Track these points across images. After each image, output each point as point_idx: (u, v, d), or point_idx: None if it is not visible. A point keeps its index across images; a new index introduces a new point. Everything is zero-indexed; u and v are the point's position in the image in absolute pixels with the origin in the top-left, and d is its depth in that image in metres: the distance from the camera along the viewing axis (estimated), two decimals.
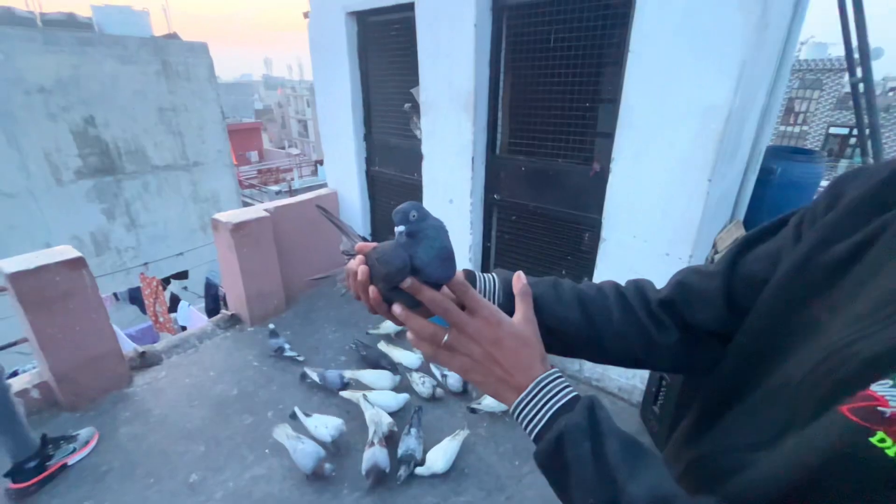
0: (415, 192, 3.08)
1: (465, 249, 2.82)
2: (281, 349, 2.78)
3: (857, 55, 2.46)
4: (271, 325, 2.94)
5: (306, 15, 3.29)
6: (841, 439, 0.31)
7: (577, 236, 2.46)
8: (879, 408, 0.29)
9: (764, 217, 2.70)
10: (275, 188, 14.44)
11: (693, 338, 0.54)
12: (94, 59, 8.14)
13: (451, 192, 2.76)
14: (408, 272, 0.46)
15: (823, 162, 2.80)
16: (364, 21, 3.01)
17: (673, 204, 1.94)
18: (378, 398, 2.26)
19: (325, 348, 2.88)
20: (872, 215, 0.39)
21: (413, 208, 0.48)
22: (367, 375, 2.43)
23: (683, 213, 1.91)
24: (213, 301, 6.05)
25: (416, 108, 2.89)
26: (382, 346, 2.69)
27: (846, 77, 2.55)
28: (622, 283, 0.59)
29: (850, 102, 2.63)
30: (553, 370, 0.44)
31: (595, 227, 2.26)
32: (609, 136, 2.08)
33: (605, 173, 2.13)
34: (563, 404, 0.41)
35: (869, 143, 2.59)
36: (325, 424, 2.08)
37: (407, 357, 2.57)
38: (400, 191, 3.32)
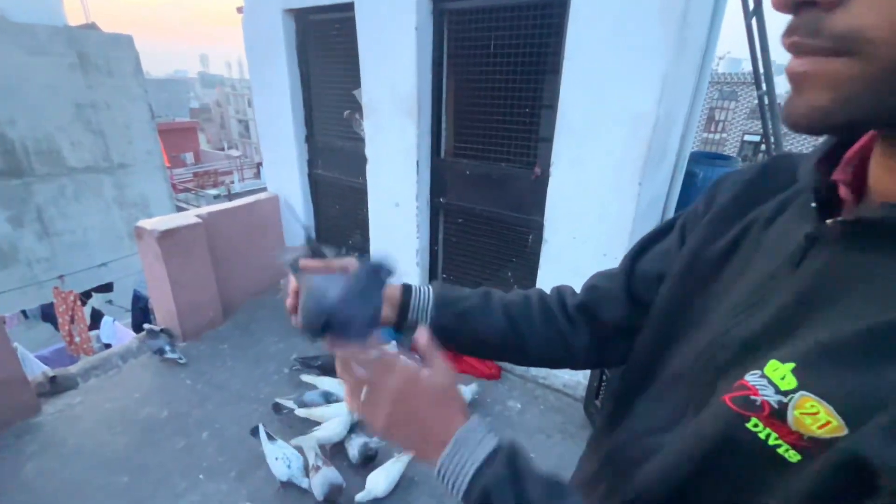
0: (360, 195, 3.01)
1: (412, 253, 2.79)
2: (161, 350, 2.66)
3: (762, 70, 2.72)
4: (146, 325, 2.86)
5: (240, 10, 3.12)
6: (724, 426, 0.34)
7: (522, 238, 2.51)
8: (751, 396, 0.33)
9: None
10: (213, 192, 13.58)
11: (605, 336, 0.60)
12: None
13: (397, 195, 2.73)
14: (320, 332, 0.47)
15: (739, 166, 3.07)
16: (303, 19, 2.91)
17: (608, 206, 2.04)
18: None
19: (268, 361, 2.74)
20: (743, 213, 0.44)
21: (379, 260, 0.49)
22: (326, 382, 2.33)
23: (618, 215, 2.01)
24: (143, 315, 5.57)
25: (359, 109, 2.83)
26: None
27: None
28: (561, 285, 0.65)
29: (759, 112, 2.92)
30: (470, 420, 0.44)
31: (538, 230, 2.32)
32: (549, 140, 2.15)
33: (546, 177, 2.19)
34: (484, 458, 0.41)
35: (773, 149, 2.88)
36: (287, 459, 1.85)
37: None
38: (345, 194, 3.24)
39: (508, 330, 0.59)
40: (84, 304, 5.75)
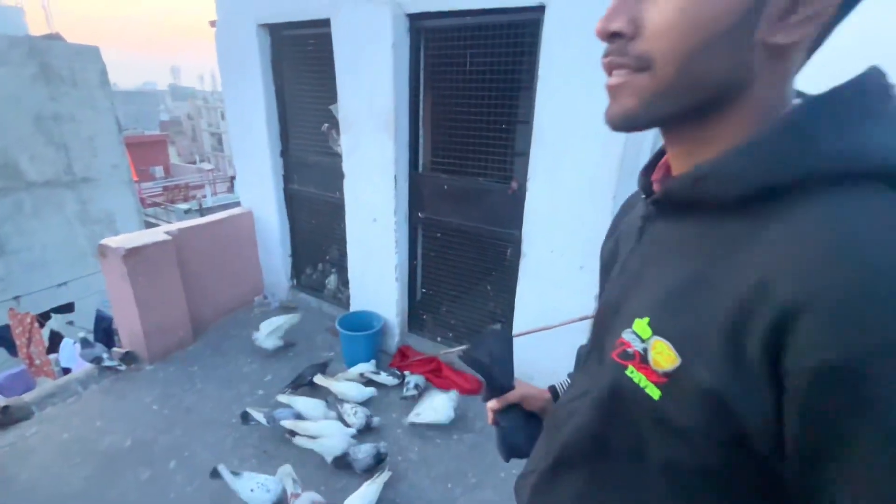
0: (337, 210, 2.97)
1: (390, 269, 2.76)
2: (99, 359, 2.61)
3: None
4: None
5: (213, 24, 3.07)
6: (612, 377, 0.43)
7: (501, 252, 2.52)
8: (627, 349, 0.41)
9: None
10: (183, 206, 13.16)
11: None
12: None
13: (375, 210, 2.70)
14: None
15: None
16: (278, 34, 2.88)
17: (583, 220, 2.07)
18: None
19: (240, 382, 2.63)
20: (616, 226, 0.60)
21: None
22: (300, 403, 2.25)
23: (593, 228, 2.05)
24: (105, 335, 5.30)
25: (335, 124, 2.81)
26: (320, 379, 2.46)
27: None
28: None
29: None
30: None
31: (516, 243, 2.34)
32: (525, 155, 2.18)
33: (523, 191, 2.22)
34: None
35: None
36: (265, 486, 1.76)
37: (348, 389, 2.39)
38: (321, 209, 3.19)
39: None
40: (42, 325, 5.45)
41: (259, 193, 3.33)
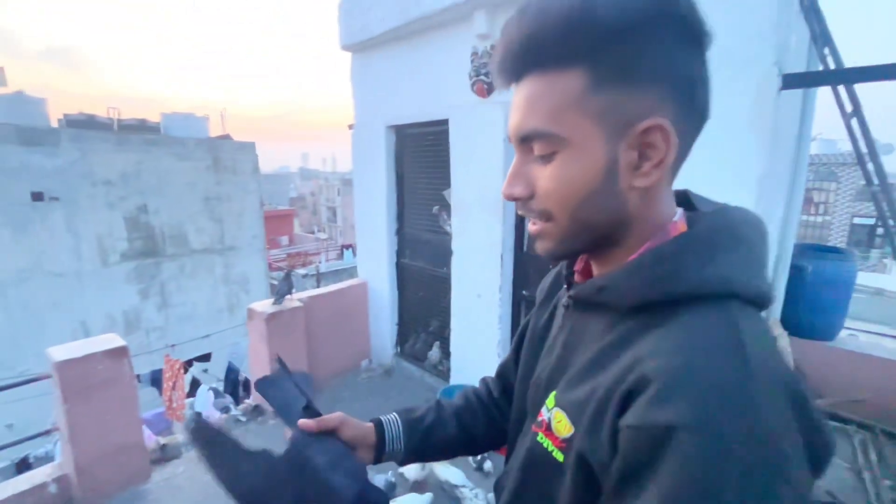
0: (443, 284, 3.16)
1: (492, 344, 2.80)
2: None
3: (866, 150, 2.57)
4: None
5: (350, 126, 3.71)
6: (530, 443, 0.51)
7: None
8: (539, 418, 0.50)
9: (802, 315, 2.63)
10: (302, 271, 14.94)
11: None
12: (155, 157, 9.15)
13: (480, 286, 2.83)
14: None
15: (854, 259, 2.77)
16: (402, 133, 3.37)
17: None
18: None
19: None
20: (553, 295, 0.64)
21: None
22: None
23: None
24: (232, 386, 5.97)
25: (446, 206, 3.10)
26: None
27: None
28: (486, 376, 0.81)
29: (870, 194, 2.68)
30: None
31: None
32: None
33: None
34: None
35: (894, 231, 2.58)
36: None
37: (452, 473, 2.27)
38: (429, 282, 3.42)
39: (461, 434, 0.73)
40: (186, 371, 6.33)
41: (375, 266, 3.70)
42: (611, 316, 0.46)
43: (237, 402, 5.08)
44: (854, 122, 2.31)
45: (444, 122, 2.88)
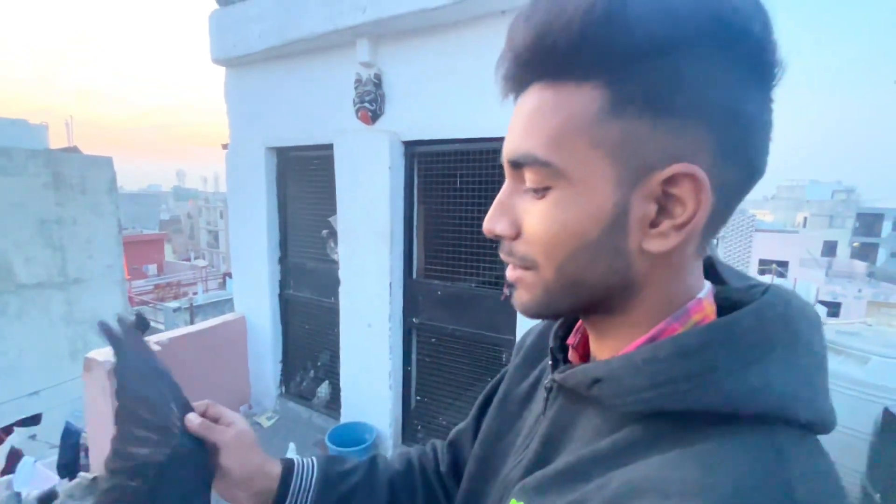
0: (332, 315, 2.99)
1: (384, 375, 2.70)
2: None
3: None
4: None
5: (225, 146, 3.38)
6: None
7: (496, 357, 2.51)
8: None
9: None
10: (173, 304, 13.03)
11: None
12: None
13: (370, 316, 2.73)
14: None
15: None
16: (284, 155, 3.17)
17: None
18: None
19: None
20: (539, 359, 0.52)
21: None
22: None
23: None
24: (72, 451, 4.85)
25: (333, 234, 2.96)
26: None
27: None
28: (435, 440, 0.67)
29: None
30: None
31: (510, 347, 2.34)
32: None
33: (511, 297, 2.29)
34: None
35: None
36: None
37: None
38: (316, 314, 3.21)
39: None
40: (1, 441, 5.02)
41: (254, 298, 3.37)
42: (607, 415, 0.36)
43: (75, 473, 4.13)
44: None
45: (329, 147, 2.78)
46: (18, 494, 4.18)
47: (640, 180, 0.32)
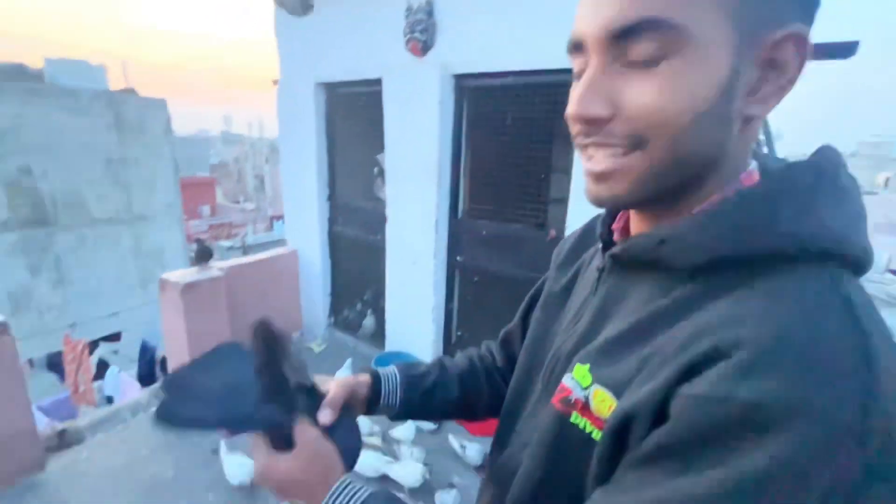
0: (378, 252, 3.10)
1: (427, 310, 2.82)
2: None
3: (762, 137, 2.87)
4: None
5: (275, 82, 3.41)
6: (556, 424, 0.42)
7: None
8: (568, 396, 0.41)
9: None
10: (226, 244, 13.90)
11: None
12: (39, 110, 7.84)
13: (415, 253, 2.81)
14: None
15: None
16: (333, 91, 3.17)
17: None
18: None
19: None
20: (576, 258, 0.57)
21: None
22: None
23: None
24: (149, 366, 5.52)
25: (381, 172, 3.00)
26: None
27: None
28: (489, 342, 0.77)
29: None
30: (344, 478, 0.49)
31: None
32: (564, 202, 2.25)
33: (560, 237, 2.27)
34: (365, 498, 0.46)
35: None
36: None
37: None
38: (363, 251, 3.33)
39: (462, 399, 0.68)
40: (91, 353, 5.72)
41: (305, 234, 3.52)
42: (665, 278, 0.38)
43: (152, 383, 4.71)
44: None
45: (378, 82, 2.75)
46: (111, 398, 4.82)
47: (757, 43, 0.32)
